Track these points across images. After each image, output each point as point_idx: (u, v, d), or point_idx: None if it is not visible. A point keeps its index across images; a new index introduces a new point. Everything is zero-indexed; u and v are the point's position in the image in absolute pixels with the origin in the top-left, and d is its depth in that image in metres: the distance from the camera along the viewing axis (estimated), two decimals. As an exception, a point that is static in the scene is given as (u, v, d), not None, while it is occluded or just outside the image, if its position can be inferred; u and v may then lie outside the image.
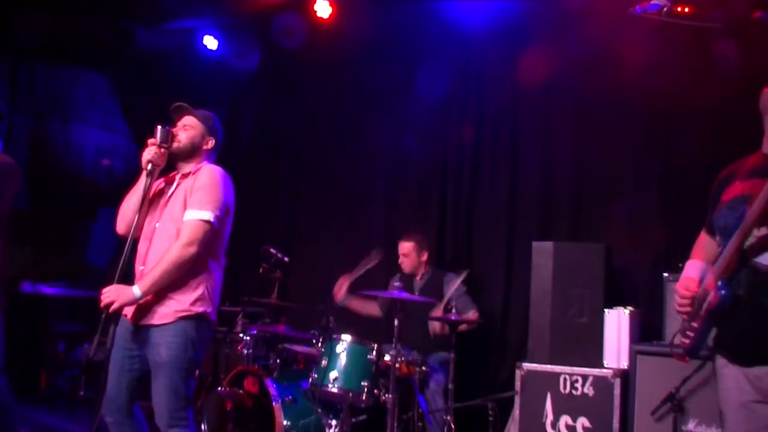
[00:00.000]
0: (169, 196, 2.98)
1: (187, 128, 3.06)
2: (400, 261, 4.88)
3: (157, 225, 2.94)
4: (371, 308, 5.02)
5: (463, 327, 4.50)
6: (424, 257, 4.86)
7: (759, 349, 2.17)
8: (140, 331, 2.87)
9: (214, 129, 3.12)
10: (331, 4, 5.36)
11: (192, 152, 3.04)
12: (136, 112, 7.04)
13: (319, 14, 5.37)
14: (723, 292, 2.15)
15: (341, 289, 4.82)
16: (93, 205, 6.81)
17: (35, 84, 6.49)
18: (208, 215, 2.82)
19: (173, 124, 3.07)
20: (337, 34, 5.53)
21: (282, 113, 6.35)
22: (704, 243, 2.51)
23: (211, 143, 3.09)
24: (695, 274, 2.38)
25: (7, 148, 5.95)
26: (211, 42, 6.08)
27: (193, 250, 2.78)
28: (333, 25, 5.45)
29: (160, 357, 2.79)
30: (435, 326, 4.58)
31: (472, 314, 4.63)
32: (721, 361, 2.30)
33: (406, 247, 4.85)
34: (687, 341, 2.32)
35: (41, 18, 5.48)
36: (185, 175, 3.00)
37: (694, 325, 2.27)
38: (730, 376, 2.24)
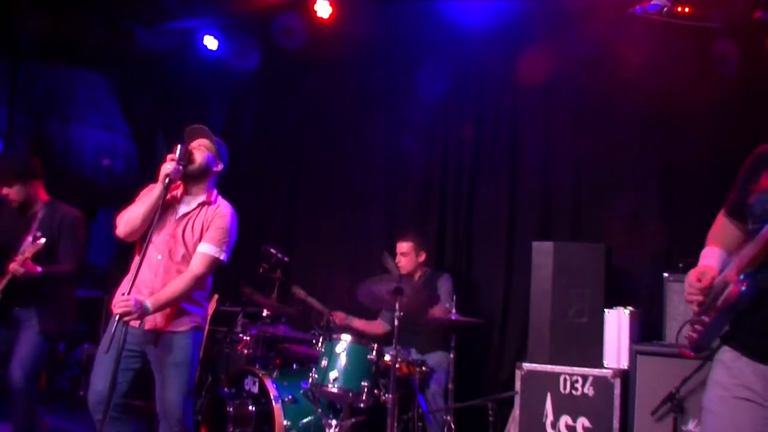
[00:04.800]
0: (182, 216, 3.19)
1: (202, 149, 3.24)
2: (397, 260, 4.86)
3: (167, 238, 3.14)
4: (376, 326, 4.98)
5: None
6: (422, 257, 4.85)
7: None
8: (149, 332, 3.09)
9: (224, 155, 3.35)
10: (331, 4, 5.35)
11: (205, 173, 3.23)
12: (136, 112, 7.05)
13: (319, 14, 5.36)
14: (744, 287, 1.92)
15: (338, 315, 4.76)
16: (93, 205, 6.80)
17: (35, 84, 6.49)
18: (223, 255, 3.17)
19: (187, 143, 3.22)
20: (337, 34, 5.52)
21: (282, 113, 6.35)
22: (723, 227, 2.25)
23: (221, 167, 3.32)
24: (714, 262, 2.15)
25: (7, 148, 5.96)
26: (211, 42, 6.08)
27: (202, 282, 3.17)
28: (333, 25, 5.45)
29: (176, 358, 3.09)
30: (437, 312, 4.45)
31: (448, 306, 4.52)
32: (730, 353, 2.06)
33: (404, 246, 4.84)
34: (695, 335, 2.10)
35: (41, 18, 5.48)
36: (203, 204, 3.22)
37: (705, 318, 2.06)
38: (741, 370, 2.01)
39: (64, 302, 4.03)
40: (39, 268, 3.74)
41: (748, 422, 1.98)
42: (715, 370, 2.10)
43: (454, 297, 4.66)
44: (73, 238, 3.98)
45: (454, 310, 4.55)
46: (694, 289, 2.08)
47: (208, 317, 4.56)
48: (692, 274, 2.11)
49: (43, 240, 3.68)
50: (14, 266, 3.68)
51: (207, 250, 3.13)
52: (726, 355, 2.07)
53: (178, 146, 3.10)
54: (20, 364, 3.80)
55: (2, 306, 3.82)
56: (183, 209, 3.21)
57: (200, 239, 3.15)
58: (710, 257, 2.19)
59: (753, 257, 1.93)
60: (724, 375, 2.05)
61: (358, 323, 4.89)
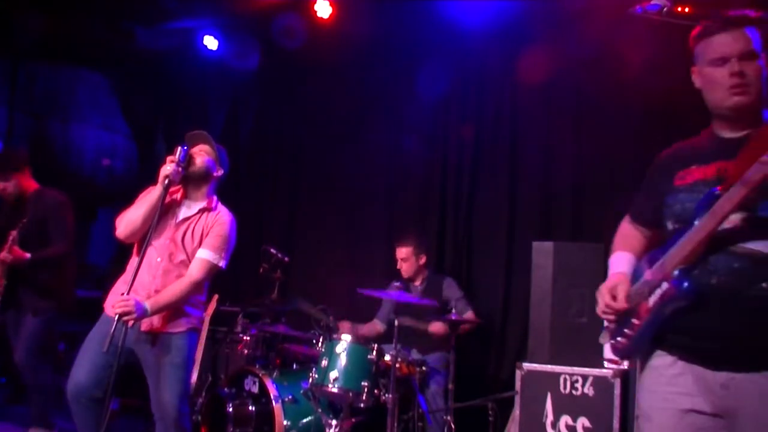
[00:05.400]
0: (183, 220, 3.21)
1: (203, 154, 3.26)
2: (398, 266, 4.86)
3: (167, 242, 3.16)
4: (374, 327, 4.98)
5: (464, 327, 4.50)
6: (422, 261, 4.84)
7: (739, 348, 1.81)
8: (144, 333, 3.10)
9: (224, 161, 3.37)
10: (331, 4, 5.35)
11: (205, 177, 3.25)
12: (136, 112, 7.05)
13: (319, 14, 5.37)
14: (686, 283, 1.82)
15: (345, 327, 4.69)
16: (93, 205, 6.81)
17: (35, 84, 6.49)
18: (222, 262, 3.20)
19: (189, 148, 3.23)
20: (337, 35, 5.52)
21: (282, 113, 6.35)
22: (629, 233, 2.27)
23: (221, 172, 3.33)
24: (625, 267, 2.13)
25: (7, 148, 5.96)
26: (211, 42, 6.08)
27: (200, 288, 3.21)
28: (333, 25, 5.45)
29: (173, 358, 3.10)
30: (437, 328, 4.55)
31: (469, 315, 4.64)
32: (666, 358, 1.93)
33: (404, 251, 4.83)
34: (624, 341, 1.98)
35: (41, 18, 5.48)
36: (203, 210, 3.24)
37: (635, 322, 1.95)
38: (679, 377, 1.89)
39: (60, 283, 4.18)
40: (27, 255, 3.94)
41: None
42: (647, 376, 1.99)
43: (464, 300, 4.69)
44: (60, 220, 4.15)
45: (469, 312, 4.60)
46: (611, 309, 2.03)
47: (208, 317, 4.59)
48: (605, 291, 2.06)
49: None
50: (3, 255, 3.92)
51: (206, 256, 3.15)
52: (660, 360, 1.95)
53: (178, 148, 3.11)
54: (22, 345, 4.14)
55: (10, 290, 4.06)
56: (183, 213, 3.22)
57: (200, 245, 3.18)
58: (621, 263, 2.17)
59: (688, 255, 1.84)
60: (661, 383, 1.93)
61: (363, 330, 4.88)
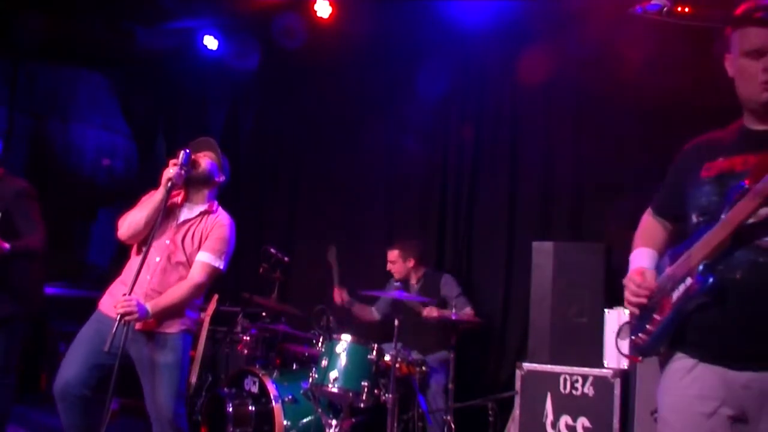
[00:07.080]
0: (183, 222, 3.22)
1: (206, 158, 3.28)
2: (388, 268, 4.89)
3: (167, 242, 3.16)
4: (369, 313, 5.02)
5: (464, 325, 4.50)
6: (411, 263, 4.85)
7: (763, 346, 1.74)
8: (138, 333, 3.07)
9: (226, 169, 3.39)
10: (331, 4, 5.36)
11: (207, 182, 3.27)
12: (136, 112, 7.06)
13: (319, 14, 5.37)
14: (711, 279, 1.76)
15: (342, 294, 4.81)
16: (93, 205, 6.81)
17: (35, 84, 6.50)
18: (221, 264, 3.21)
19: (194, 152, 3.25)
20: (337, 34, 5.53)
21: (282, 113, 6.35)
22: (652, 228, 2.22)
23: (222, 178, 3.35)
24: (647, 263, 2.07)
25: (7, 148, 5.96)
26: (211, 42, 6.08)
27: (200, 291, 3.21)
28: (333, 25, 5.45)
29: (168, 358, 3.08)
30: (431, 313, 4.54)
31: (468, 311, 4.64)
32: (686, 361, 1.87)
33: (392, 254, 4.88)
34: (645, 337, 1.92)
35: (41, 18, 5.48)
36: (203, 213, 3.26)
37: (656, 317, 1.89)
38: (704, 380, 1.82)
39: (31, 282, 3.79)
40: (7, 245, 3.43)
41: None
42: (667, 379, 1.92)
43: (463, 297, 4.70)
44: (27, 210, 3.65)
45: (468, 309, 4.61)
46: (642, 289, 1.95)
47: (208, 317, 4.60)
48: (635, 275, 2.00)
49: None
50: None
51: (206, 259, 3.16)
52: (680, 363, 1.88)
53: (182, 152, 3.11)
54: None
55: None
56: (184, 215, 3.23)
57: (199, 247, 3.18)
58: (642, 258, 2.10)
59: (713, 249, 1.78)
60: (681, 386, 1.87)
61: (357, 308, 4.94)
